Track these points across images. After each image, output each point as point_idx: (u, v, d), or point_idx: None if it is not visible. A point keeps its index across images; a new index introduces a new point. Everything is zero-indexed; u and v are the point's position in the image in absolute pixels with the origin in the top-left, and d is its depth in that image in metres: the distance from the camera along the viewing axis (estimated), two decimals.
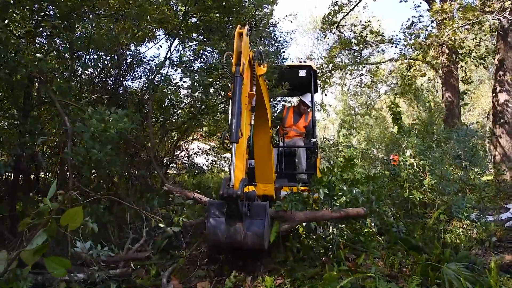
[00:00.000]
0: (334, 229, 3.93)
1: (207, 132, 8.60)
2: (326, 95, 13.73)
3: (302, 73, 5.87)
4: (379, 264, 3.57)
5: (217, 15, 6.62)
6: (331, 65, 12.12)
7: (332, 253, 3.77)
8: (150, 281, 3.11)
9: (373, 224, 4.36)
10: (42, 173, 5.32)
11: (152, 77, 6.03)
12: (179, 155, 8.80)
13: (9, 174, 4.54)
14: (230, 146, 2.76)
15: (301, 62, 16.13)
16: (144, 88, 5.62)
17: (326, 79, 12.59)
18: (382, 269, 3.40)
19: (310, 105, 6.16)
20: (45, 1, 3.62)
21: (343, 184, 3.61)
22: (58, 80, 3.73)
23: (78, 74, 5.29)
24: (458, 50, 9.79)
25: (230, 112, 2.84)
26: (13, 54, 3.03)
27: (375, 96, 25.76)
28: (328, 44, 12.72)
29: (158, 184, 4.67)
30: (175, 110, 6.94)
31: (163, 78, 6.00)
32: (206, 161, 9.49)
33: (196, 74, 5.43)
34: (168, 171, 8.18)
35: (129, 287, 2.96)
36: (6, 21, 2.93)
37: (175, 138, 7.91)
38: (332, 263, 3.45)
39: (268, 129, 4.16)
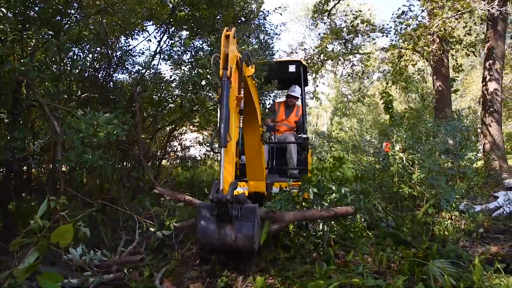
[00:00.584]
0: (324, 225, 4.02)
1: (199, 123, 8.60)
2: (317, 85, 13.65)
3: (292, 68, 5.90)
4: (368, 260, 3.65)
5: (206, 11, 6.59)
6: (322, 55, 12.10)
7: (322, 249, 3.85)
8: (144, 283, 3.17)
9: (362, 220, 4.43)
10: (34, 170, 5.33)
11: (142, 71, 6.00)
12: (173, 146, 8.82)
13: (0, 174, 4.55)
14: (219, 150, 2.78)
15: (292, 51, 16.14)
16: (134, 84, 5.60)
17: (317, 70, 12.59)
18: (370, 265, 3.48)
19: (298, 96, 6.18)
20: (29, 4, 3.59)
21: (332, 183, 3.67)
22: (46, 83, 3.69)
23: (68, 68, 5.26)
24: (449, 39, 9.82)
25: (218, 116, 2.87)
26: None
27: (368, 82, 25.81)
28: (319, 34, 12.61)
29: (150, 185, 4.70)
30: (166, 104, 6.95)
31: (152, 74, 5.99)
32: (199, 151, 9.55)
33: (185, 73, 5.42)
34: (162, 163, 8.21)
35: None
36: None
37: (167, 130, 7.93)
38: (322, 260, 3.54)
39: (258, 128, 4.20)
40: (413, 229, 4.46)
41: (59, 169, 3.14)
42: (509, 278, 3.07)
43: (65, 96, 5.16)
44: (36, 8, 3.74)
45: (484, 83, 10.07)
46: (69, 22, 4.37)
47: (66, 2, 4.12)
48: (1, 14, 3.33)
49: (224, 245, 2.72)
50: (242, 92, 3.17)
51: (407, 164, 4.93)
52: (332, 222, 4.08)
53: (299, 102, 6.37)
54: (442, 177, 4.63)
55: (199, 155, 9.48)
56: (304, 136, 5.90)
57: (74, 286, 2.79)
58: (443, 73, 10.89)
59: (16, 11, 3.52)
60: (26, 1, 3.58)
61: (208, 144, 8.88)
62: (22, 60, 3.11)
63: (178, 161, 8.95)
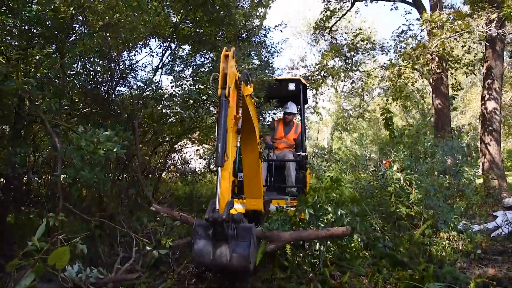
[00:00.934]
0: (320, 245, 4.02)
1: (198, 138, 8.66)
2: (317, 102, 13.74)
3: (291, 86, 5.97)
4: (364, 281, 3.65)
5: (208, 28, 6.71)
6: (322, 72, 12.23)
7: (318, 270, 3.85)
8: None
9: (359, 240, 4.43)
10: (34, 184, 5.36)
11: (144, 87, 6.08)
12: (173, 158, 8.86)
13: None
14: (216, 169, 2.80)
15: (293, 67, 16.33)
16: (135, 102, 5.67)
17: (318, 86, 12.71)
18: (366, 287, 3.48)
19: (294, 112, 6.25)
20: (35, 22, 3.67)
21: (328, 205, 3.69)
22: (48, 99, 3.75)
23: (70, 82, 5.33)
24: (448, 58, 9.94)
25: (216, 134, 2.89)
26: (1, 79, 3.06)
27: (369, 98, 25.95)
28: (319, 51, 12.79)
29: (147, 202, 4.73)
30: (167, 119, 7.02)
31: (154, 90, 6.06)
32: (200, 164, 9.59)
33: (186, 89, 5.50)
34: (162, 176, 8.24)
35: None
36: None
37: (168, 144, 7.99)
38: (318, 281, 3.53)
39: (256, 146, 4.22)
40: (410, 250, 4.45)
41: (58, 184, 3.16)
42: None
43: (67, 109, 5.25)
44: (41, 26, 3.82)
45: (483, 102, 10.14)
46: (73, 39, 4.46)
47: (71, 19, 4.21)
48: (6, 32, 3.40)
49: (220, 264, 2.69)
50: (240, 111, 3.20)
51: (404, 184, 4.95)
52: (329, 242, 4.09)
53: (297, 119, 6.42)
54: (440, 197, 4.64)
55: (200, 169, 9.53)
56: (303, 154, 5.93)
57: None
58: (443, 91, 10.99)
59: (22, 29, 3.61)
60: (32, 19, 3.67)
61: (208, 157, 8.94)
62: (25, 78, 3.16)
63: (178, 174, 8.98)
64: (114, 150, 3.30)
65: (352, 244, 4.41)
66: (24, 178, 4.72)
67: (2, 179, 4.44)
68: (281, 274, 3.66)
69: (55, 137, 3.50)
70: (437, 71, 10.33)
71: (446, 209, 4.73)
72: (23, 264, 1.76)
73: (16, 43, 3.53)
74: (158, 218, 3.79)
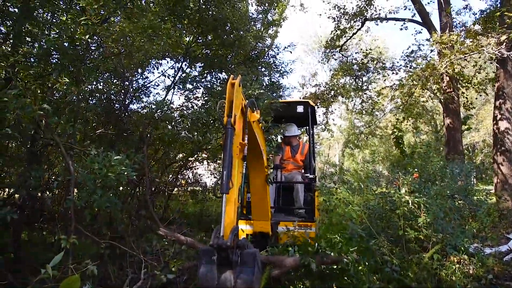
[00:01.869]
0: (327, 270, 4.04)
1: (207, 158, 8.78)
2: (328, 121, 13.76)
3: (300, 109, 6.01)
4: None
5: (219, 50, 6.89)
6: (332, 91, 12.33)
7: None
8: None
9: (366, 264, 4.41)
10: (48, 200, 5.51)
11: (154, 109, 6.24)
12: (184, 175, 8.97)
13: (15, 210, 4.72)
14: (221, 196, 2.82)
15: (304, 84, 16.48)
16: (146, 121, 5.84)
17: (328, 105, 12.80)
18: None
19: (294, 135, 6.28)
20: (52, 50, 3.85)
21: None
22: (62, 122, 3.91)
23: (84, 104, 5.52)
24: (458, 77, 9.92)
25: (221, 162, 2.95)
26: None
27: (380, 114, 25.87)
28: (330, 70, 12.89)
29: (157, 225, 4.82)
30: (177, 138, 7.17)
31: (165, 111, 6.22)
32: (210, 180, 9.68)
33: (195, 111, 5.64)
34: (173, 192, 8.35)
35: None
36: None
37: (178, 163, 8.12)
38: None
39: (263, 170, 4.28)
40: (418, 274, 4.40)
41: (71, 207, 3.27)
42: None
43: (81, 130, 5.42)
44: (58, 54, 4.01)
45: (494, 122, 10.04)
46: (88, 64, 4.64)
47: (86, 46, 4.40)
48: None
49: None
50: (246, 138, 3.27)
51: (413, 207, 4.93)
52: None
53: (303, 140, 6.44)
54: (449, 222, 4.60)
55: (210, 184, 9.61)
56: (311, 176, 5.93)
57: None
58: (454, 110, 10.93)
59: (40, 57, 3.80)
60: (50, 47, 3.85)
61: (213, 185, 9.03)
62: (42, 105, 3.31)
63: (188, 191, 9.08)
64: (125, 173, 3.40)
65: (360, 268, 4.40)
66: (38, 197, 4.87)
67: (17, 197, 4.58)
68: None
69: (69, 160, 3.63)
70: (448, 90, 10.31)
71: (456, 233, 4.67)
72: None
73: (33, 71, 3.70)
74: (166, 242, 3.86)
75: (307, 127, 6.62)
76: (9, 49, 3.97)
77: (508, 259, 5.87)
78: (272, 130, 5.29)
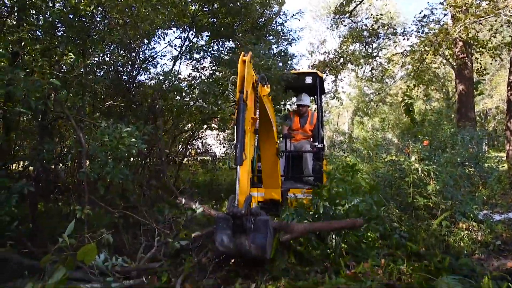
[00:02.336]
0: (336, 236, 4.12)
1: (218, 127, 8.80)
2: (337, 89, 13.58)
3: (308, 80, 6.19)
4: (379, 272, 3.71)
5: (225, 19, 6.74)
6: (342, 59, 12.08)
7: (334, 260, 3.95)
8: None
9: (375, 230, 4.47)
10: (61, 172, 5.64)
11: (162, 79, 6.22)
12: (193, 145, 9.07)
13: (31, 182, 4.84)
14: (235, 167, 3.04)
15: (313, 51, 16.18)
16: (155, 92, 5.84)
17: (337, 73, 12.58)
18: (380, 278, 3.54)
19: (307, 104, 6.46)
20: (57, 22, 3.82)
21: (343, 193, 3.79)
22: (71, 95, 3.93)
23: (92, 76, 5.52)
24: (472, 42, 9.61)
25: (234, 135, 3.10)
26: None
27: (390, 81, 25.41)
28: (339, 37, 12.54)
29: (168, 194, 4.94)
30: (186, 109, 7.19)
31: (172, 82, 6.18)
32: (219, 150, 9.79)
33: (205, 81, 5.62)
34: (183, 162, 8.46)
35: None
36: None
37: (188, 133, 8.17)
38: (333, 271, 3.64)
39: (273, 142, 4.45)
40: (426, 241, 4.46)
41: (83, 180, 3.35)
42: None
43: (90, 102, 5.44)
44: (63, 26, 3.97)
45: (509, 88, 9.80)
46: (93, 36, 4.60)
47: (91, 18, 4.34)
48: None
49: (239, 254, 3.00)
50: (258, 113, 3.43)
51: (422, 175, 4.93)
52: (344, 232, 4.18)
53: (312, 109, 6.57)
54: (458, 190, 4.61)
55: (220, 154, 9.72)
56: (319, 145, 6.10)
57: None
58: (467, 76, 10.67)
59: (45, 30, 3.77)
60: (55, 20, 3.81)
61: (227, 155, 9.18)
62: (50, 79, 3.32)
63: (198, 160, 9.20)
64: (136, 145, 3.45)
65: (368, 235, 4.47)
66: (51, 169, 4.98)
67: (31, 169, 4.69)
68: (296, 263, 3.79)
69: (80, 133, 3.67)
70: (461, 56, 10.02)
71: (465, 200, 4.69)
72: (55, 259, 1.93)
73: (40, 46, 3.69)
74: (179, 210, 3.97)
75: (316, 97, 6.74)
76: (14, 22, 3.95)
77: None
78: (282, 95, 5.32)
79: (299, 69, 8.48)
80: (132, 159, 4.30)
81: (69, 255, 1.87)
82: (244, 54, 3.20)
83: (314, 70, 6.96)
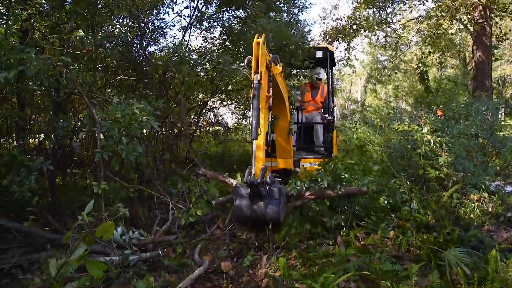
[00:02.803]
0: (346, 207, 4.22)
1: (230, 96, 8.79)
2: (350, 56, 13.23)
3: (319, 54, 6.44)
4: (388, 244, 3.79)
5: None
6: (355, 26, 11.71)
7: (345, 231, 4.05)
8: (177, 260, 3.50)
9: (385, 202, 4.52)
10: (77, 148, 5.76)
11: (173, 52, 6.16)
12: (206, 115, 9.14)
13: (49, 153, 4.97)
14: (252, 141, 3.29)
15: (324, 18, 15.74)
16: (164, 65, 5.82)
17: (350, 40, 12.25)
18: (389, 250, 3.62)
19: (322, 78, 6.74)
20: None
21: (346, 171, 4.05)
22: (83, 72, 3.95)
23: (101, 49, 5.51)
24: (492, 6, 9.18)
25: (250, 112, 3.57)
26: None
27: (405, 48, 24.66)
28: (352, 3, 12.03)
29: (181, 168, 5.05)
30: (197, 79, 7.17)
31: (183, 54, 6.12)
32: (231, 120, 9.85)
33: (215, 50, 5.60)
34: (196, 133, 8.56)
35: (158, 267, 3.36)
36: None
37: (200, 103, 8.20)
38: (343, 242, 3.74)
39: (286, 116, 4.76)
40: (437, 212, 4.49)
41: (99, 158, 3.42)
42: None
43: (102, 77, 5.46)
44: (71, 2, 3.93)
45: None
46: (101, 8, 4.55)
47: None
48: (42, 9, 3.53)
49: (256, 217, 3.30)
50: (271, 91, 3.73)
51: (434, 146, 4.88)
52: (355, 204, 4.28)
53: (323, 83, 6.79)
54: (470, 162, 4.57)
55: (231, 124, 9.76)
56: (329, 117, 6.42)
57: (116, 263, 3.13)
58: (485, 42, 10.28)
59: (53, 5, 3.74)
60: None
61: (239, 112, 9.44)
62: (61, 57, 3.34)
63: (210, 131, 9.28)
64: (149, 121, 3.50)
65: (378, 207, 4.52)
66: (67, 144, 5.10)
67: (47, 143, 4.81)
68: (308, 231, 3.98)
69: (93, 109, 3.72)
70: (480, 20, 9.61)
71: (477, 171, 4.66)
72: (76, 237, 2.03)
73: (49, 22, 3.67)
74: (193, 179, 4.17)
75: (326, 70, 6.99)
76: None
77: None
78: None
79: (310, 40, 8.45)
80: (144, 131, 4.36)
81: (89, 233, 1.96)
82: (258, 37, 3.40)
83: (325, 45, 7.31)
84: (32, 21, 3.45)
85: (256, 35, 3.44)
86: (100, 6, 4.55)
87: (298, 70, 6.43)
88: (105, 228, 2.01)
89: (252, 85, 3.34)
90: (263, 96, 3.44)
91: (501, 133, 5.74)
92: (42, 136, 5.06)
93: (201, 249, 3.68)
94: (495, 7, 9.75)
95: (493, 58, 10.88)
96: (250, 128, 3.29)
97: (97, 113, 3.71)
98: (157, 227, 3.91)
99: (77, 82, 3.84)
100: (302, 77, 6.71)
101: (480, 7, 9.48)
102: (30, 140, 5.23)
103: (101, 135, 3.65)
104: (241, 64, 6.57)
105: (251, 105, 3.32)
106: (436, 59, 12.18)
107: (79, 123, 5.29)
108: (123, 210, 3.50)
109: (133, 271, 3.14)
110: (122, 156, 3.32)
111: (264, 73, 3.43)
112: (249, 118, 10.14)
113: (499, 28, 11.06)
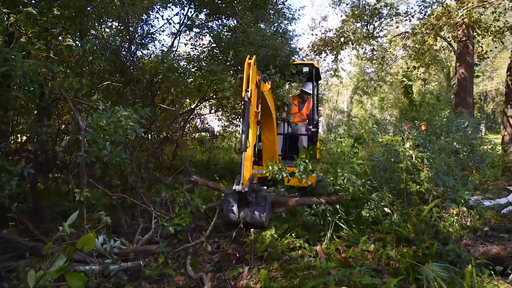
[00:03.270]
0: (329, 218, 4.30)
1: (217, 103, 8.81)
2: (337, 68, 13.43)
3: (306, 69, 6.84)
4: (368, 257, 3.85)
5: None
6: (342, 38, 11.90)
7: (326, 245, 4.09)
8: (159, 270, 3.47)
9: (367, 215, 4.59)
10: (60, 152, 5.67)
11: (160, 58, 6.15)
12: (192, 123, 9.12)
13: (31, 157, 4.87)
14: (241, 153, 3.61)
15: (314, 28, 15.92)
16: (153, 71, 5.82)
17: (338, 53, 12.44)
18: (369, 263, 3.68)
19: (310, 92, 7.07)
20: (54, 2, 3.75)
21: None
22: (70, 78, 3.92)
23: (89, 54, 5.46)
24: (475, 26, 9.47)
25: (240, 127, 3.74)
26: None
27: (391, 61, 25.09)
28: (341, 16, 12.24)
29: (165, 176, 5.03)
30: (185, 85, 7.17)
31: (171, 61, 6.11)
32: (218, 126, 9.85)
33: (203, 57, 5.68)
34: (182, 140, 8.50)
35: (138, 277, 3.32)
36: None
37: (185, 113, 8.17)
38: (324, 254, 3.78)
39: (273, 128, 5.15)
40: (417, 226, 4.57)
41: (81, 164, 3.40)
42: (502, 282, 3.17)
43: (88, 83, 5.42)
44: (60, 7, 3.90)
45: (509, 73, 9.75)
46: (91, 15, 4.53)
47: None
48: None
49: (243, 222, 3.56)
50: (260, 107, 4.09)
51: (416, 161, 4.98)
52: (338, 216, 4.36)
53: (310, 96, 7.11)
54: (450, 177, 4.69)
55: (217, 131, 9.75)
56: (313, 129, 6.76)
57: (96, 272, 3.10)
58: (467, 60, 10.57)
59: (42, 11, 3.71)
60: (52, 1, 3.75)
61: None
62: (47, 63, 3.31)
63: (196, 136, 9.26)
64: (134, 128, 3.49)
65: (360, 219, 4.59)
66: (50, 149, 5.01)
67: (30, 148, 4.72)
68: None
69: (78, 116, 3.68)
70: (463, 39, 9.89)
71: (456, 186, 4.77)
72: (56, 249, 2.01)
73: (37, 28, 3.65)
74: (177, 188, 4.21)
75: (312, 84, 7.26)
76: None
77: (506, 211, 5.97)
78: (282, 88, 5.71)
79: (299, 50, 8.75)
80: (129, 137, 4.33)
81: (69, 244, 1.95)
82: (249, 58, 3.70)
83: (311, 62, 7.67)
84: (19, 25, 3.42)
85: (248, 56, 3.73)
86: (89, 10, 4.53)
87: (289, 81, 6.74)
88: (86, 240, 2.00)
89: (243, 102, 3.59)
90: (252, 112, 3.72)
91: (481, 147, 5.88)
92: (24, 138, 4.99)
93: (191, 261, 3.67)
94: (478, 26, 10.05)
95: (474, 75, 11.17)
96: (240, 141, 3.56)
97: (82, 120, 3.68)
98: (139, 236, 3.87)
99: (62, 88, 3.81)
100: (293, 89, 7.02)
101: (464, 26, 9.76)
102: (11, 143, 5.14)
103: (85, 141, 3.63)
104: (229, 73, 6.82)
105: (242, 119, 3.58)
106: (420, 74, 12.45)
107: (63, 126, 5.24)
108: (105, 218, 3.47)
109: (113, 281, 3.10)
110: (105, 161, 3.31)
111: (254, 91, 3.72)
112: (236, 126, 10.47)
113: (481, 46, 11.39)
